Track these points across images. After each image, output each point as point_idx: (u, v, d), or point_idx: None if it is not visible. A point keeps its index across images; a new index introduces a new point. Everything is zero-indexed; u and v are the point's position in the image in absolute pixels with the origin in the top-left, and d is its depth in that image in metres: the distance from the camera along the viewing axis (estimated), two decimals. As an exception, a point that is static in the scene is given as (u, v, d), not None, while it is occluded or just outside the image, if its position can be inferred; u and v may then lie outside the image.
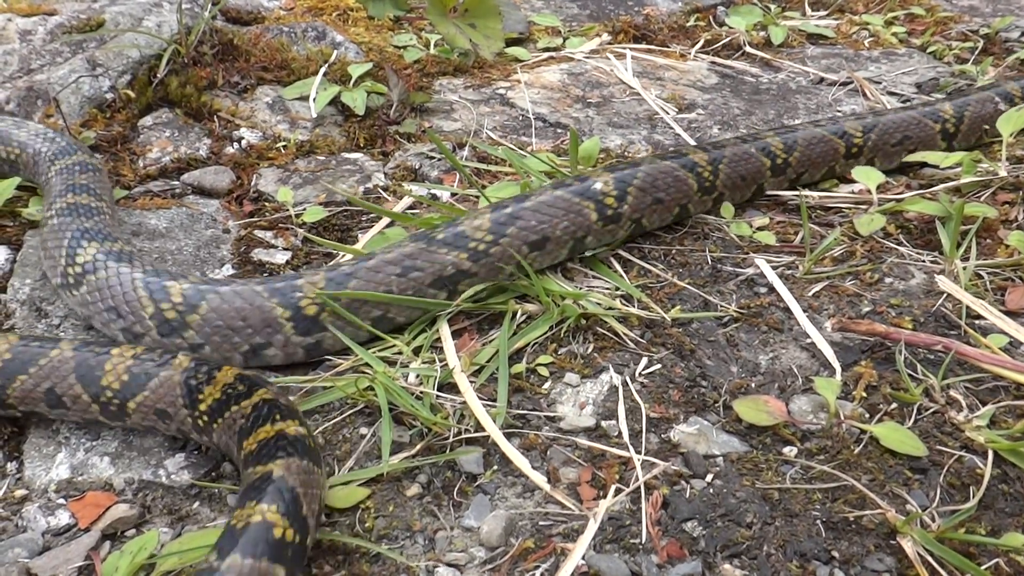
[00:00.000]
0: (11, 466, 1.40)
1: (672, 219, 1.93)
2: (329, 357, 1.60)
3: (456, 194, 2.11)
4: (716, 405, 1.45)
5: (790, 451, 1.35)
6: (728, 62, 3.05)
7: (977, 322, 1.61)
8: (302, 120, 2.45)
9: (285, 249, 1.93)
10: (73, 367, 1.37)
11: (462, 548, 1.21)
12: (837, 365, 1.52)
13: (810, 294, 1.72)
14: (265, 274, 1.85)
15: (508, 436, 1.38)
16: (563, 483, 1.31)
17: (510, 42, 3.14)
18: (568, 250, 1.76)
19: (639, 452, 1.35)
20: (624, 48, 3.12)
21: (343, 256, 1.80)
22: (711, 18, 3.43)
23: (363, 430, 1.42)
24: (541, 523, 1.24)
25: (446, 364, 1.52)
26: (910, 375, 1.46)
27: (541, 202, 1.72)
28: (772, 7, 3.48)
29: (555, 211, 1.71)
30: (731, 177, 1.96)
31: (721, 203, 1.98)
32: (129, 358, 1.38)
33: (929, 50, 3.15)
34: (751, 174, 2.00)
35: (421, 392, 1.44)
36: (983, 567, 1.15)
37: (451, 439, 1.38)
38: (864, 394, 1.45)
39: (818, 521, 1.23)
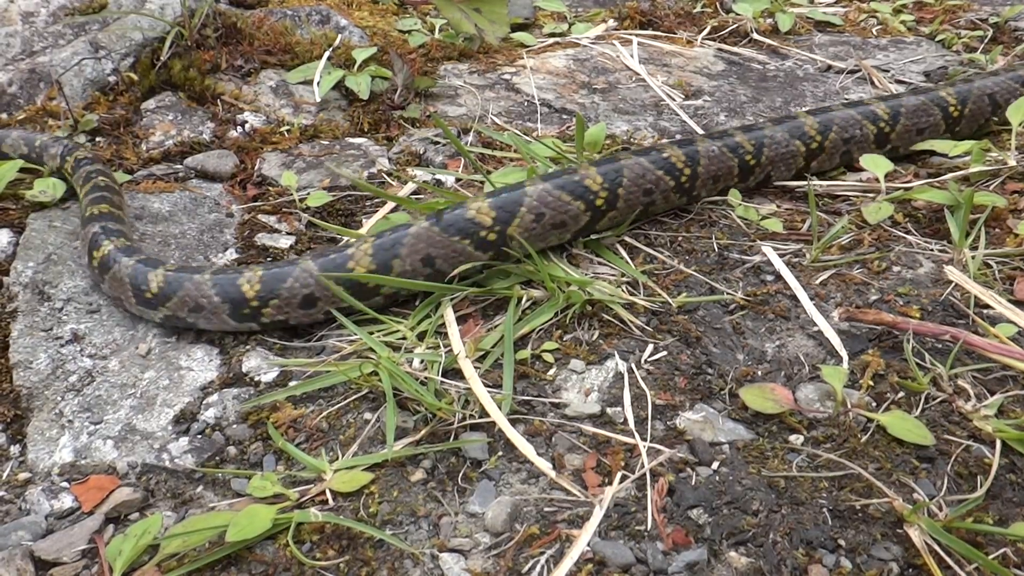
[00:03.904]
0: (14, 449, 1.40)
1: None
2: (332, 341, 1.59)
3: (461, 179, 2.09)
4: (722, 392, 1.44)
5: (796, 439, 1.35)
6: (735, 49, 3.03)
7: (985, 311, 1.60)
8: (306, 104, 2.44)
9: (289, 233, 1.92)
10: None
11: (467, 534, 1.21)
12: (844, 353, 1.51)
13: (817, 282, 1.70)
14: (268, 259, 1.84)
15: (513, 422, 1.37)
16: (568, 469, 1.30)
17: (515, 27, 3.12)
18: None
19: (645, 439, 1.34)
20: (630, 34, 3.10)
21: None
22: (718, 4, 3.41)
23: (367, 415, 1.42)
24: (546, 509, 1.23)
25: (450, 350, 1.52)
26: (918, 364, 1.45)
27: None
28: (779, -6, 3.45)
29: None
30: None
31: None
32: None
33: (938, 39, 3.12)
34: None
35: (425, 378, 1.44)
36: (990, 556, 1.14)
37: (456, 425, 1.37)
38: (871, 383, 1.44)
39: (824, 509, 1.22)
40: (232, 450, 1.39)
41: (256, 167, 2.17)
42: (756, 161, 1.97)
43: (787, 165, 2.03)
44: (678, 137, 2.32)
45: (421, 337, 1.56)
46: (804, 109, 2.36)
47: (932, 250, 1.80)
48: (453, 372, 1.48)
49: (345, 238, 1.86)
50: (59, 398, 1.48)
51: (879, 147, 2.12)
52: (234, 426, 1.43)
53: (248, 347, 1.59)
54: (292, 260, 1.63)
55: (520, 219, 1.65)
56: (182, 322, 1.61)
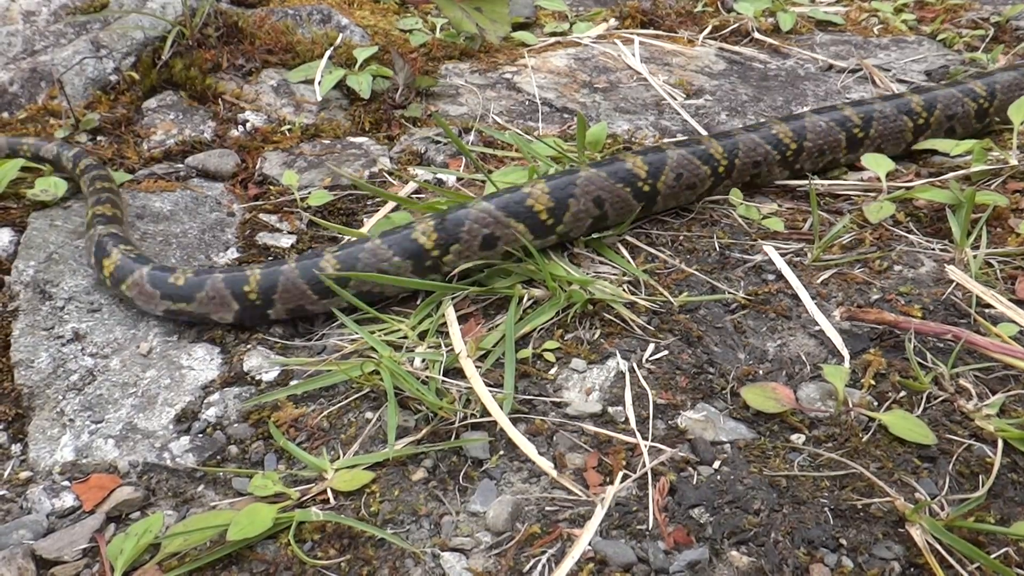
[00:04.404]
0: (16, 448, 1.40)
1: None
2: (333, 340, 1.59)
3: (462, 179, 2.09)
4: (724, 392, 1.44)
5: (798, 438, 1.34)
6: (736, 48, 3.03)
7: (987, 311, 1.59)
8: (307, 103, 2.44)
9: (290, 233, 1.92)
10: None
11: (468, 533, 1.21)
12: (846, 353, 1.50)
13: (819, 281, 1.70)
14: (270, 258, 1.84)
15: (514, 421, 1.37)
16: (569, 469, 1.30)
17: (516, 26, 3.12)
18: None
19: (646, 438, 1.34)
20: (631, 33, 3.10)
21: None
22: (719, 4, 3.40)
23: (368, 414, 1.42)
24: (547, 508, 1.23)
25: (452, 349, 1.52)
26: (919, 363, 1.45)
27: None
28: (781, -7, 3.45)
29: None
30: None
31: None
32: None
33: (939, 38, 3.12)
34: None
35: (427, 377, 1.44)
36: (992, 556, 1.14)
37: (457, 424, 1.37)
38: (873, 382, 1.44)
39: (826, 508, 1.22)
40: (233, 449, 1.39)
41: (257, 166, 2.17)
42: (864, 134, 2.08)
43: (895, 140, 2.13)
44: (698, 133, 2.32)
45: (422, 336, 1.56)
46: (911, 88, 2.40)
47: (934, 249, 1.80)
48: (454, 371, 1.48)
49: (347, 237, 1.86)
50: (60, 397, 1.48)
51: (979, 122, 2.24)
52: (235, 425, 1.43)
53: (249, 346, 1.59)
54: (463, 204, 1.68)
55: (665, 176, 1.82)
56: (368, 295, 1.62)
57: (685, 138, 2.02)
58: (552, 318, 1.59)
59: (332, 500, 1.26)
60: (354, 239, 1.69)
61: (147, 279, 1.62)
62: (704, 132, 2.35)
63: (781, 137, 1.98)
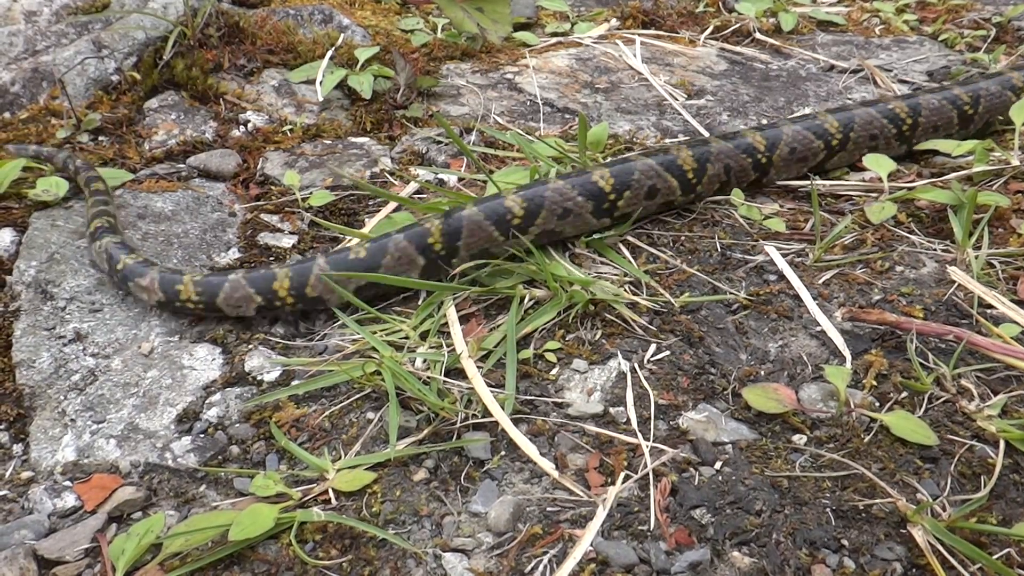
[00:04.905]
0: (17, 448, 1.40)
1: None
2: (334, 340, 1.59)
3: (463, 179, 2.09)
4: (725, 392, 1.44)
5: (799, 439, 1.34)
6: (738, 48, 3.03)
7: (989, 311, 1.59)
8: (308, 103, 2.44)
9: (292, 233, 1.92)
10: None
11: (469, 533, 1.21)
12: (847, 353, 1.50)
13: (820, 282, 1.70)
14: (271, 258, 1.84)
15: (516, 422, 1.37)
16: (571, 469, 1.30)
17: (518, 27, 3.12)
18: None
19: (647, 439, 1.34)
20: (633, 33, 3.10)
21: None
22: (720, 4, 3.40)
23: (370, 415, 1.42)
24: (549, 509, 1.23)
25: (453, 349, 1.52)
26: (921, 364, 1.45)
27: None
28: (782, -7, 3.44)
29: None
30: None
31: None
32: None
33: (941, 38, 3.12)
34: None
35: (428, 377, 1.44)
36: (994, 557, 1.14)
37: (458, 424, 1.37)
38: (874, 383, 1.44)
39: (828, 509, 1.22)
40: (235, 449, 1.39)
41: (258, 166, 2.17)
42: (974, 111, 2.21)
43: (1004, 114, 2.24)
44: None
45: (424, 336, 1.56)
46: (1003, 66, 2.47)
47: (935, 250, 1.80)
48: (456, 372, 1.48)
49: (347, 238, 1.86)
50: (62, 397, 1.48)
51: None
52: (237, 425, 1.43)
53: (250, 346, 1.59)
54: (626, 158, 1.85)
55: (780, 150, 1.97)
56: (551, 235, 1.74)
57: (801, 114, 2.23)
58: (553, 318, 1.59)
59: (333, 500, 1.26)
60: (537, 178, 1.80)
61: (330, 265, 1.61)
62: (706, 133, 2.35)
63: (898, 112, 2.10)
